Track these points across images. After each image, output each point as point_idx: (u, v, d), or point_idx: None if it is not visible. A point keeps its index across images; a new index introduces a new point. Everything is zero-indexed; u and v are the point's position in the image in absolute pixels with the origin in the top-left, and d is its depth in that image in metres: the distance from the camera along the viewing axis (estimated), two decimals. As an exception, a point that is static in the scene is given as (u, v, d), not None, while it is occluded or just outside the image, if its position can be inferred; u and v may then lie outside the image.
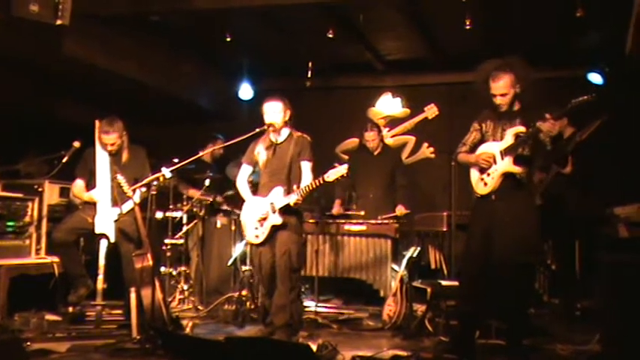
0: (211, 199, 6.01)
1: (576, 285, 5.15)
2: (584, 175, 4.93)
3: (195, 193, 6.04)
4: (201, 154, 5.31)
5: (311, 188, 4.25)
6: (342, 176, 4.20)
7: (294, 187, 4.32)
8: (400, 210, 5.59)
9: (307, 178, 4.36)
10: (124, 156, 4.84)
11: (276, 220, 4.28)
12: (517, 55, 3.87)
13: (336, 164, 4.26)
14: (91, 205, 4.75)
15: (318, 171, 4.44)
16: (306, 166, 4.40)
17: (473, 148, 3.97)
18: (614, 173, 5.62)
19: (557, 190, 5.11)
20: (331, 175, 4.20)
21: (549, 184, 5.16)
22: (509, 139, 3.79)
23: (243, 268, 5.36)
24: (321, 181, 4.23)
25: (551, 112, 3.60)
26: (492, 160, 3.82)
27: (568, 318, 4.96)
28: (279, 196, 4.28)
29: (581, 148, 4.98)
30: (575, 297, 5.09)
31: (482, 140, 3.95)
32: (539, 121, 3.62)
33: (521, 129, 3.75)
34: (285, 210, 4.27)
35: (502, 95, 3.80)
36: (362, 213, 5.58)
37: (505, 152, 3.79)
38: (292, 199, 4.23)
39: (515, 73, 3.80)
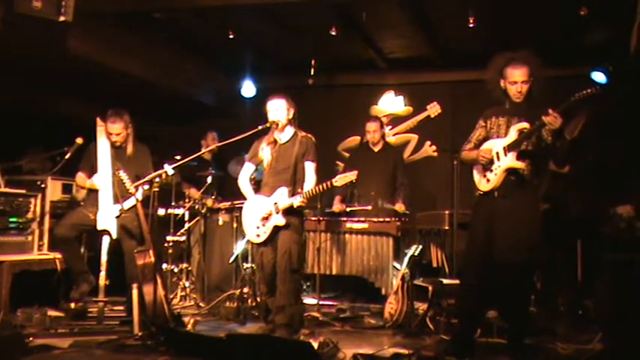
0: (211, 203, 5.97)
1: (578, 284, 5.14)
2: (584, 175, 4.91)
3: (195, 194, 6.05)
4: (203, 151, 5.30)
5: (317, 192, 4.25)
6: (351, 182, 4.20)
7: (299, 189, 4.31)
8: (400, 207, 5.59)
9: (311, 179, 4.36)
10: (129, 149, 4.86)
11: (280, 220, 4.27)
12: (528, 50, 3.81)
13: (338, 162, 4.26)
14: (93, 201, 4.76)
15: (320, 169, 4.44)
16: (309, 167, 4.39)
17: (478, 146, 3.94)
18: (616, 172, 5.60)
19: (557, 191, 5.09)
20: (339, 181, 4.20)
21: (549, 186, 5.14)
22: (513, 135, 3.77)
23: (245, 265, 5.36)
24: (328, 185, 4.23)
25: (555, 108, 3.58)
26: (491, 153, 3.78)
27: (570, 317, 4.95)
28: (283, 197, 4.27)
29: (576, 146, 4.94)
30: (577, 296, 5.08)
31: (487, 137, 3.92)
32: (544, 116, 3.59)
33: (526, 125, 3.73)
34: (288, 210, 4.27)
35: (523, 82, 3.72)
36: (369, 207, 5.55)
37: (509, 148, 3.76)
38: (297, 201, 4.22)
39: (530, 67, 3.75)
